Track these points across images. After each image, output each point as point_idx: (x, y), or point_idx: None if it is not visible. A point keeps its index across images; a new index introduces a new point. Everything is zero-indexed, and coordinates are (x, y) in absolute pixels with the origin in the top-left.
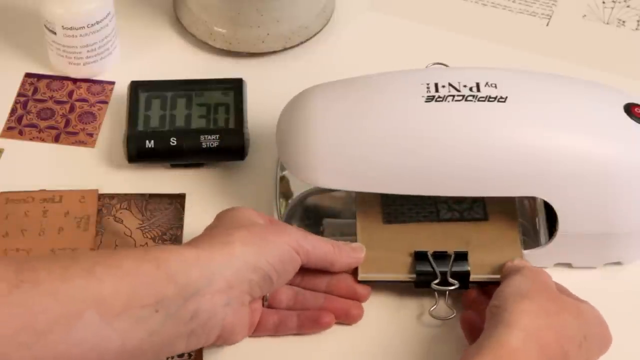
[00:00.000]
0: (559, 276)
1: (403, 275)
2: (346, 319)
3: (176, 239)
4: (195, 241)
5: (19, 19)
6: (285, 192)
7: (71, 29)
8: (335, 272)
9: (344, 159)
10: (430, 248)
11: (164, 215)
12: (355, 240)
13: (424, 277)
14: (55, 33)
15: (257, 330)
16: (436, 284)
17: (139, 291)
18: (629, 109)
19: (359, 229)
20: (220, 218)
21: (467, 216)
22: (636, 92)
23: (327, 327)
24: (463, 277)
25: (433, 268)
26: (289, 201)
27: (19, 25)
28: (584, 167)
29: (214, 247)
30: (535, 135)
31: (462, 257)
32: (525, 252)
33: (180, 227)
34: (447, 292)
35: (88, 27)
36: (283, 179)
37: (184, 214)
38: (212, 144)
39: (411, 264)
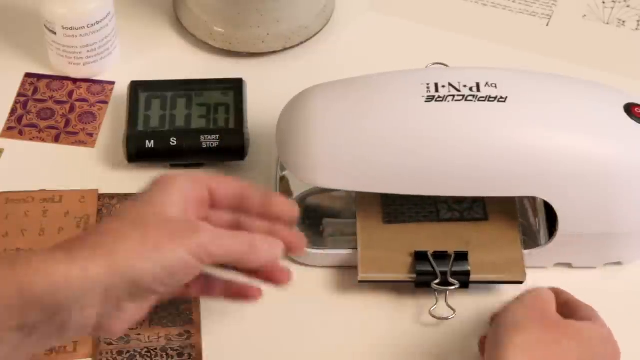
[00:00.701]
0: (559, 276)
1: (403, 275)
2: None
3: None
4: (76, 245)
5: (19, 19)
6: (285, 192)
7: (71, 29)
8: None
9: (344, 159)
10: (430, 248)
11: None
12: (356, 241)
13: (424, 277)
14: (55, 33)
15: (179, 294)
16: (436, 283)
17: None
18: (629, 109)
19: (359, 229)
20: (134, 204)
21: (467, 216)
22: (636, 92)
23: (253, 301)
24: (463, 277)
25: (433, 268)
26: None
27: (19, 25)
28: (584, 167)
29: (92, 259)
30: (535, 135)
31: (462, 257)
32: (525, 252)
33: None
34: (447, 292)
35: (88, 27)
36: (283, 179)
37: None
38: (212, 144)
39: (411, 263)
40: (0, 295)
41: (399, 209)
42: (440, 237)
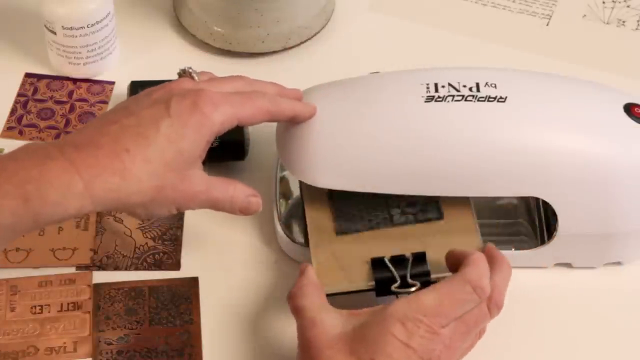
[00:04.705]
0: (559, 276)
1: (362, 284)
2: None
3: (176, 240)
4: (85, 153)
5: (19, 19)
6: (285, 192)
7: (71, 29)
8: None
9: (344, 159)
10: (387, 254)
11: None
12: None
13: (384, 284)
14: (55, 33)
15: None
16: (396, 287)
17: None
18: (629, 109)
19: (312, 244)
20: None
21: (422, 218)
22: (636, 92)
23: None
24: (424, 277)
25: (392, 272)
26: (289, 201)
27: (19, 25)
28: (584, 167)
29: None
30: (535, 135)
31: (420, 258)
32: (526, 252)
33: (180, 227)
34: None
35: (88, 27)
36: (283, 179)
37: (184, 214)
38: (212, 144)
39: (369, 272)
40: (20, 229)
41: (350, 218)
42: (397, 242)
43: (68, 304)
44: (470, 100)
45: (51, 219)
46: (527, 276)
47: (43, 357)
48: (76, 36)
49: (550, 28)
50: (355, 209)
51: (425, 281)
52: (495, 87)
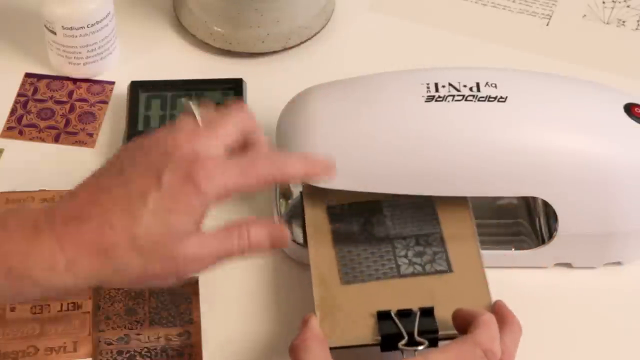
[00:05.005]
0: (559, 276)
1: (368, 338)
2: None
3: None
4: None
5: (19, 19)
6: (285, 192)
7: (71, 29)
8: None
9: (344, 159)
10: (393, 307)
11: None
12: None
13: (390, 339)
14: (55, 33)
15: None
16: (403, 344)
17: None
18: (629, 109)
19: (316, 294)
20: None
21: (430, 269)
22: (636, 92)
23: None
24: (431, 335)
25: (399, 328)
26: (289, 201)
27: (19, 25)
28: (584, 167)
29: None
30: (535, 135)
31: (428, 313)
32: (526, 252)
33: None
34: (416, 352)
35: (88, 27)
36: None
37: None
38: None
39: (375, 325)
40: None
41: (357, 267)
42: (404, 294)
43: (68, 304)
44: (471, 100)
45: (32, 294)
46: (527, 276)
47: (43, 357)
48: (76, 36)
49: (550, 28)
50: (362, 257)
51: (433, 339)
52: (496, 87)
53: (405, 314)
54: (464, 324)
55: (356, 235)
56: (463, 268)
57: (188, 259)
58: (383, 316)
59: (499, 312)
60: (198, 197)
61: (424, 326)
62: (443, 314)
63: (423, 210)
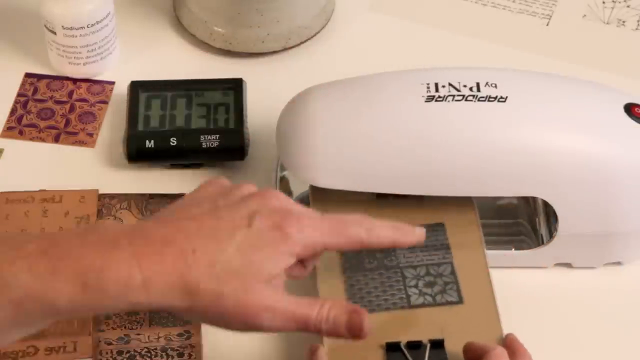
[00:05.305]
0: (559, 276)
1: None
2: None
3: None
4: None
5: (19, 19)
6: (285, 192)
7: (71, 29)
8: None
9: (344, 159)
10: (402, 338)
11: None
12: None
13: None
14: (55, 33)
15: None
16: None
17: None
18: (629, 109)
19: None
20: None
21: (441, 300)
22: (636, 92)
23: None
24: None
25: None
26: None
27: (19, 25)
28: (584, 167)
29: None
30: (535, 135)
31: (438, 345)
32: (526, 252)
33: None
34: None
35: (88, 27)
36: (283, 179)
37: None
38: (212, 144)
39: (384, 357)
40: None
41: (365, 296)
42: (413, 325)
43: None
44: (471, 100)
45: (106, 308)
46: (527, 276)
47: (43, 357)
48: (76, 36)
49: (550, 28)
50: (371, 286)
51: None
52: (496, 87)
53: (415, 346)
54: (475, 358)
55: (365, 263)
56: (474, 299)
57: (261, 306)
58: (392, 348)
59: (511, 345)
60: (286, 244)
61: (434, 359)
62: (453, 347)
63: (434, 236)
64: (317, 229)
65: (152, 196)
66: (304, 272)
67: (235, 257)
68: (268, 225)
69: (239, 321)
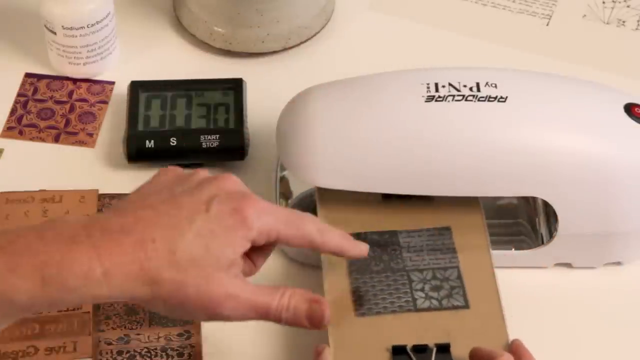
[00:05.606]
0: (559, 276)
1: None
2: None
3: None
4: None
5: (19, 19)
6: (285, 192)
7: (71, 29)
8: None
9: (344, 159)
10: (408, 341)
11: None
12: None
13: None
14: (55, 33)
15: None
16: None
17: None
18: (629, 109)
19: (330, 326)
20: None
21: (447, 304)
22: (636, 92)
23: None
24: None
25: None
26: (289, 201)
27: (19, 25)
28: (584, 167)
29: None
30: (535, 135)
31: (444, 349)
32: (526, 252)
33: None
34: None
35: (88, 27)
36: (283, 179)
37: None
38: (212, 144)
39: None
40: (35, 309)
41: (372, 299)
42: (419, 329)
43: None
44: (471, 100)
45: (67, 303)
46: (527, 276)
47: (43, 357)
48: (76, 36)
49: (550, 28)
50: (377, 289)
51: None
52: (496, 87)
53: (420, 350)
54: None
55: (372, 265)
56: (480, 304)
57: (223, 295)
58: (398, 351)
59: (517, 351)
60: (243, 228)
61: None
62: (459, 351)
63: (440, 239)
64: (273, 215)
65: None
66: (253, 269)
67: (194, 243)
68: (226, 209)
69: (200, 310)
